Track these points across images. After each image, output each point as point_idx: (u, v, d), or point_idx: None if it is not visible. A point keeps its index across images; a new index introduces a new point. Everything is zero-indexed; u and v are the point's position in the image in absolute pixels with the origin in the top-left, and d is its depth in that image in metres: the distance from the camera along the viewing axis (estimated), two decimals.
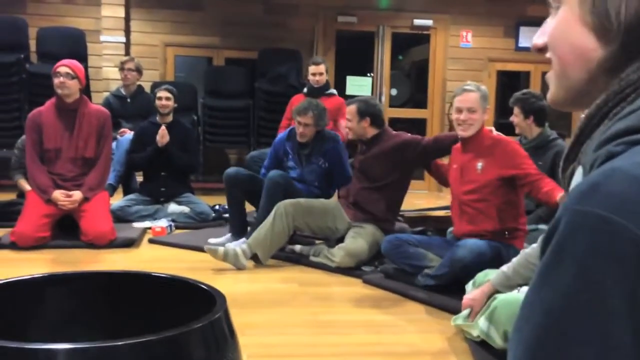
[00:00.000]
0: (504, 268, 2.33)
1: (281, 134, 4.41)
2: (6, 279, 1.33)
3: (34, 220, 3.89)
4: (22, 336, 1.33)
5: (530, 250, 2.30)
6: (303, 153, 4.17)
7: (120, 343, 1.02)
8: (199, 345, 1.11)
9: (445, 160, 3.56)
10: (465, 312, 2.46)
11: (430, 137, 3.82)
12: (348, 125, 3.78)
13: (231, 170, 4.15)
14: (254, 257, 3.57)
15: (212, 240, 3.91)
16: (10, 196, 4.78)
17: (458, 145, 3.24)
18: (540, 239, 0.57)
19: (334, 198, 4.18)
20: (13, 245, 3.81)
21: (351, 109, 3.75)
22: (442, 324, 2.65)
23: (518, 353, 0.52)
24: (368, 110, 3.73)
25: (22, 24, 6.56)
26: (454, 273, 2.88)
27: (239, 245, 3.56)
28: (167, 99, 4.80)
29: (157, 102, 4.81)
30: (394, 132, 3.82)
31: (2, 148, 5.32)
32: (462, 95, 3.08)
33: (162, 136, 4.69)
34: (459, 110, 3.07)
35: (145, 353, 1.03)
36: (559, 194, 2.67)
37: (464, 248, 2.89)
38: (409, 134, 3.82)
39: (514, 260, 2.33)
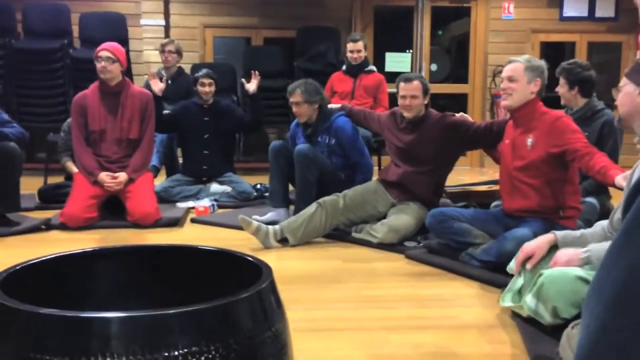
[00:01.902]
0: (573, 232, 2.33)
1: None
2: (60, 253, 1.37)
3: (82, 201, 3.98)
4: (76, 306, 1.37)
5: (605, 223, 2.28)
6: (308, 134, 4.16)
7: (171, 312, 1.03)
8: (247, 314, 1.13)
9: None
10: (510, 287, 2.42)
11: (485, 121, 3.73)
12: (413, 102, 3.60)
13: (277, 142, 4.20)
14: (283, 240, 3.56)
15: (256, 217, 3.94)
16: (58, 179, 4.90)
17: (511, 120, 3.17)
18: (624, 194, 0.55)
19: (374, 177, 4.15)
20: (63, 226, 3.91)
21: (416, 84, 3.59)
22: (489, 298, 2.63)
23: (598, 310, 0.50)
24: (428, 88, 3.67)
25: (65, 10, 6.68)
26: (499, 263, 2.81)
27: (275, 222, 3.59)
28: (210, 84, 4.84)
29: (200, 89, 4.84)
30: (436, 112, 3.74)
31: (50, 132, 5.44)
32: (506, 66, 3.04)
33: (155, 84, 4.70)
34: (502, 80, 3.04)
35: (195, 321, 1.05)
36: (617, 175, 2.54)
37: (512, 240, 2.79)
38: (455, 115, 3.72)
39: (587, 230, 2.32)
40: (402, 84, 3.64)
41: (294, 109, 4.09)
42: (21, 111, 6.21)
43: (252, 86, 4.90)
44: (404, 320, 2.41)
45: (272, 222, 3.75)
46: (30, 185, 4.63)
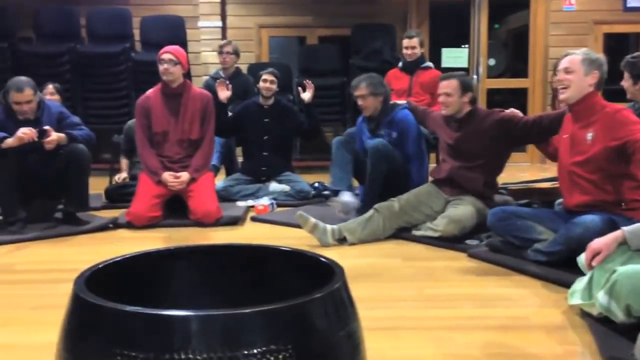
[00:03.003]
0: None
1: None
2: (138, 252, 1.41)
3: (147, 200, 4.09)
4: (153, 304, 1.41)
5: None
6: (371, 128, 4.17)
7: (247, 311, 1.06)
8: (321, 314, 1.14)
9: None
10: (579, 285, 2.37)
11: (534, 116, 3.66)
12: (447, 100, 3.65)
13: (340, 137, 4.25)
14: (341, 240, 3.58)
15: (335, 200, 4.05)
16: (124, 176, 5.05)
17: (570, 114, 3.10)
18: None
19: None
20: (129, 225, 4.03)
21: (452, 83, 3.63)
22: (557, 298, 2.57)
23: None
24: (470, 85, 3.67)
25: (127, 14, 6.88)
26: (568, 251, 2.75)
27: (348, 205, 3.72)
28: (272, 82, 4.90)
29: (262, 85, 4.91)
30: (485, 109, 3.73)
31: (114, 133, 5.60)
32: (563, 58, 2.98)
33: (222, 90, 4.77)
34: (558, 72, 2.98)
35: (271, 321, 1.07)
36: None
37: (580, 225, 2.72)
38: (504, 111, 3.67)
39: None
40: (441, 82, 3.70)
41: (360, 102, 4.13)
42: (87, 113, 6.43)
43: (306, 95, 4.93)
44: (468, 320, 2.38)
45: (346, 205, 3.88)
46: (96, 185, 4.78)
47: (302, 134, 5.23)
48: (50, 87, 5.05)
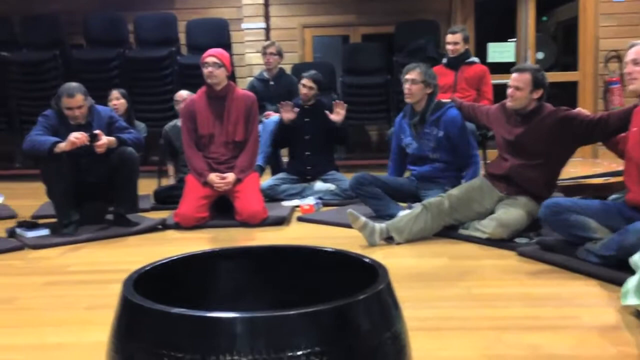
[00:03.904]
0: None
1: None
2: (185, 253, 1.44)
3: (194, 201, 4.16)
4: (198, 306, 1.43)
5: None
6: (415, 122, 4.10)
7: (291, 313, 1.06)
8: (365, 316, 1.13)
9: None
10: (631, 284, 2.29)
11: (600, 113, 3.53)
12: (516, 94, 3.49)
13: (358, 176, 4.17)
14: (388, 239, 3.56)
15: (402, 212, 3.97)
16: (171, 181, 5.15)
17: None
18: None
19: (480, 175, 4.06)
20: (177, 226, 4.10)
21: (525, 76, 3.46)
22: (610, 298, 2.50)
23: None
24: (543, 82, 3.50)
25: (172, 19, 7.00)
26: (620, 257, 2.65)
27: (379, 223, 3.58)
28: (310, 88, 4.91)
29: (300, 88, 4.93)
30: (550, 106, 3.58)
31: (162, 138, 5.70)
32: (630, 49, 2.88)
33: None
34: (626, 64, 2.89)
35: (315, 322, 1.07)
36: None
37: (635, 233, 2.62)
38: (570, 109, 3.53)
39: None
40: (513, 74, 3.55)
41: (407, 86, 4.06)
42: (136, 117, 6.56)
43: (337, 117, 4.86)
44: (518, 320, 2.34)
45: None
46: (146, 187, 4.89)
47: (334, 139, 5.15)
48: (115, 93, 5.24)
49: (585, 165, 6.41)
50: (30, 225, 3.94)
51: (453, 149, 4.07)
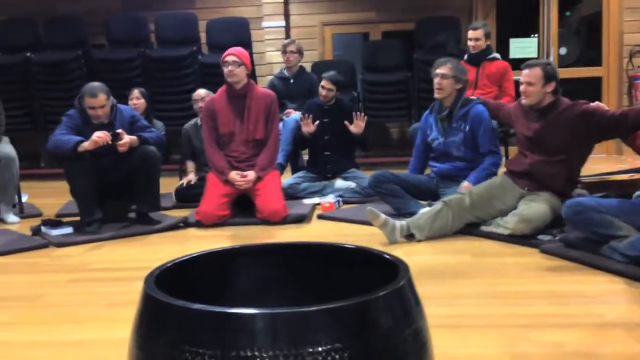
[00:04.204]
0: None
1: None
2: (205, 250, 1.44)
3: (215, 199, 4.17)
4: (220, 302, 1.44)
5: None
6: (443, 118, 4.07)
7: (312, 309, 1.05)
8: (386, 312, 1.12)
9: None
10: None
11: (621, 108, 3.47)
12: (528, 89, 3.48)
13: (377, 174, 4.17)
14: (409, 236, 3.54)
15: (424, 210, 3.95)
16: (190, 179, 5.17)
17: None
18: None
19: (500, 171, 4.02)
20: (198, 224, 4.12)
21: (536, 71, 3.45)
22: (635, 294, 2.46)
23: None
24: (554, 75, 3.47)
25: (193, 18, 7.04)
26: None
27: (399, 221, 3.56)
28: (329, 89, 4.89)
29: (320, 89, 4.92)
30: (568, 100, 3.55)
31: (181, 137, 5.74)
32: None
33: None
34: None
35: (335, 319, 1.06)
36: None
37: None
38: (589, 103, 3.50)
39: None
40: (524, 70, 3.55)
41: (437, 80, 4.02)
42: (157, 116, 6.61)
43: (356, 129, 4.82)
44: (541, 318, 2.31)
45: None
46: (167, 186, 4.92)
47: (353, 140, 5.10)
48: (136, 92, 5.30)
49: (609, 162, 6.32)
50: (55, 223, 3.99)
51: (476, 146, 4.03)
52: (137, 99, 5.26)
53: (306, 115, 4.87)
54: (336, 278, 1.49)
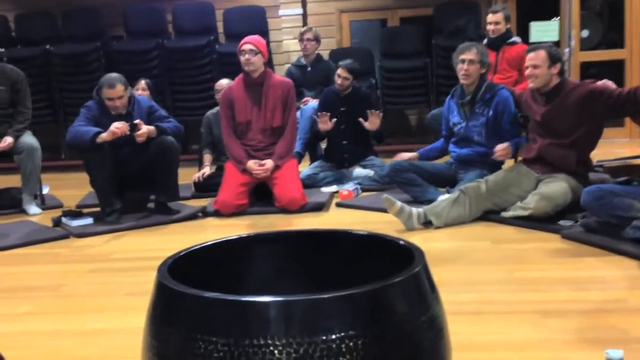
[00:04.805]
0: None
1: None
2: (220, 239, 1.44)
3: (233, 189, 4.18)
4: (236, 290, 1.43)
5: None
6: (465, 102, 4.03)
7: (325, 296, 1.05)
8: (401, 298, 1.11)
9: None
10: None
11: (629, 87, 3.42)
12: (535, 72, 3.49)
13: (395, 164, 4.16)
14: (426, 223, 3.52)
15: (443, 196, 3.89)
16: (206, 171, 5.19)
17: None
18: None
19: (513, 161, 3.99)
20: (217, 213, 4.13)
21: (540, 54, 3.46)
22: None
23: None
24: (558, 56, 3.50)
25: (210, 8, 7.03)
26: None
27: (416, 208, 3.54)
28: (345, 78, 4.84)
29: (336, 79, 4.87)
30: (573, 81, 3.53)
31: (201, 125, 5.75)
32: None
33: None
34: None
35: (350, 306, 1.05)
36: None
37: None
38: (596, 81, 3.47)
39: None
40: (527, 55, 3.55)
41: (465, 66, 3.97)
42: (175, 106, 6.65)
43: (371, 126, 4.77)
44: (562, 304, 2.28)
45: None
46: (186, 176, 4.93)
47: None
48: (142, 83, 5.27)
49: (632, 146, 6.21)
50: (75, 214, 4.02)
51: (498, 132, 3.98)
52: (142, 90, 5.23)
53: (323, 112, 4.83)
54: (351, 265, 1.48)
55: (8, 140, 4.45)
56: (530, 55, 3.52)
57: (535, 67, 3.48)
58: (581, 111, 3.39)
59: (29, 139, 4.56)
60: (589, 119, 3.42)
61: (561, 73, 3.52)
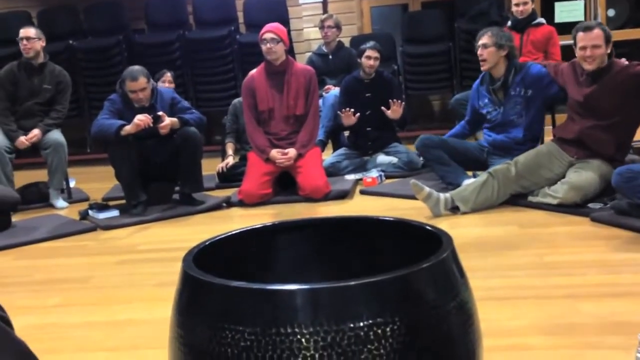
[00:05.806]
0: None
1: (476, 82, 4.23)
2: (244, 228, 1.43)
3: (257, 178, 4.18)
4: (261, 279, 1.43)
5: None
6: (497, 88, 3.95)
7: (352, 283, 1.03)
8: (430, 284, 1.09)
9: None
10: None
11: None
12: (596, 52, 3.32)
13: (424, 138, 4.12)
14: (453, 209, 3.47)
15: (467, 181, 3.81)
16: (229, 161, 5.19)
17: None
18: None
19: (548, 140, 3.89)
20: (241, 203, 4.14)
21: (598, 33, 3.31)
22: None
23: None
24: (610, 35, 3.37)
25: None
26: None
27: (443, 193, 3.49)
28: (376, 59, 4.77)
29: (365, 61, 4.79)
30: (620, 61, 3.41)
31: (224, 115, 5.74)
32: None
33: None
34: None
35: (378, 293, 1.04)
36: None
37: None
38: None
39: None
40: (580, 34, 3.37)
41: (479, 52, 3.93)
42: (198, 97, 6.66)
43: (394, 115, 4.72)
44: (593, 288, 2.24)
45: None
46: (209, 166, 4.94)
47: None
48: (168, 75, 5.29)
49: None
50: (101, 207, 4.06)
51: (541, 109, 3.91)
52: (169, 83, 5.23)
53: (346, 108, 4.77)
54: (378, 252, 1.46)
55: (35, 132, 4.54)
56: (592, 34, 3.32)
57: (596, 47, 3.31)
58: (628, 92, 3.29)
59: (56, 135, 4.63)
60: (635, 100, 3.32)
61: (610, 54, 3.37)
